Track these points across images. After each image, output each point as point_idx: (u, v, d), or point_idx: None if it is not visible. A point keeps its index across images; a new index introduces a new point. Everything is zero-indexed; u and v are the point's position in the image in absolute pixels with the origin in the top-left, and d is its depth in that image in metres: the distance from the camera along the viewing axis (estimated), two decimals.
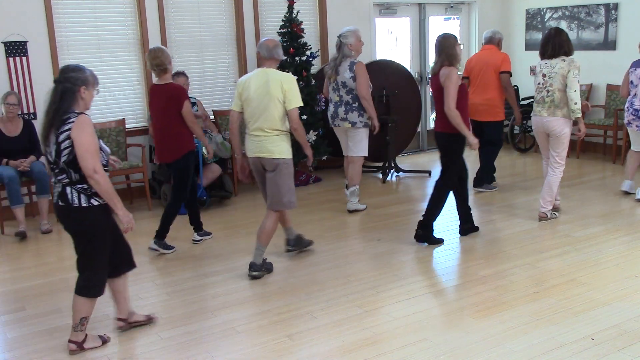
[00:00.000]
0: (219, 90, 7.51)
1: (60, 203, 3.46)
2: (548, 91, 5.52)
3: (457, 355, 3.44)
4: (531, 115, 5.82)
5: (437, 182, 5.29)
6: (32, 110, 6.39)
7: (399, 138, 7.64)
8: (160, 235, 5.28)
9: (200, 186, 5.84)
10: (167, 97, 5.08)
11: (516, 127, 8.67)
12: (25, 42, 6.33)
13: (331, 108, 6.21)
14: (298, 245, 5.12)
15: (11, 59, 6.28)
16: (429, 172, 7.82)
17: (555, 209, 5.91)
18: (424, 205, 6.60)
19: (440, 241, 5.25)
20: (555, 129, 5.52)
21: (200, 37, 7.26)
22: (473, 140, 5.04)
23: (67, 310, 4.20)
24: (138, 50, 6.96)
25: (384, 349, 3.53)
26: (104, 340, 3.72)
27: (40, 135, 3.46)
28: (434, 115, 9.55)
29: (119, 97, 6.96)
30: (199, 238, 5.51)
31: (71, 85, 3.39)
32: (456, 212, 5.50)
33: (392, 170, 7.73)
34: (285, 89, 4.51)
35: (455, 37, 5.09)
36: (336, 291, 4.36)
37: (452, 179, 5.23)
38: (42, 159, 6.18)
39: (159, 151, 5.28)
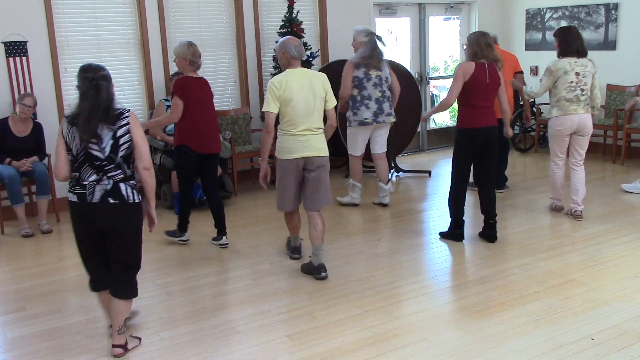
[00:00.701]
0: (219, 91, 7.49)
1: (112, 200, 3.34)
2: (582, 90, 5.57)
3: (457, 355, 3.44)
4: (558, 115, 5.64)
5: (486, 185, 5.21)
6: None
7: (399, 138, 7.63)
8: (223, 232, 5.43)
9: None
10: (210, 90, 5.25)
11: (516, 128, 8.67)
12: (25, 42, 6.32)
13: (373, 105, 6.10)
14: (296, 253, 5.09)
15: (11, 59, 6.28)
16: (429, 172, 7.82)
17: (557, 208, 5.94)
18: (424, 205, 6.66)
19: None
20: (589, 127, 5.70)
21: (200, 37, 7.25)
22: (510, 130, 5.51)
23: (67, 310, 4.22)
24: (138, 50, 6.96)
25: (384, 349, 3.53)
26: (139, 339, 3.72)
27: (85, 133, 3.30)
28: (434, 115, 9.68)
29: (118, 97, 6.79)
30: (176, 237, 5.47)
31: (108, 83, 3.45)
32: (449, 211, 5.33)
33: (392, 170, 7.73)
34: (326, 88, 4.58)
35: None
36: (336, 291, 4.36)
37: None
38: (45, 160, 6.21)
39: (208, 142, 5.20)
